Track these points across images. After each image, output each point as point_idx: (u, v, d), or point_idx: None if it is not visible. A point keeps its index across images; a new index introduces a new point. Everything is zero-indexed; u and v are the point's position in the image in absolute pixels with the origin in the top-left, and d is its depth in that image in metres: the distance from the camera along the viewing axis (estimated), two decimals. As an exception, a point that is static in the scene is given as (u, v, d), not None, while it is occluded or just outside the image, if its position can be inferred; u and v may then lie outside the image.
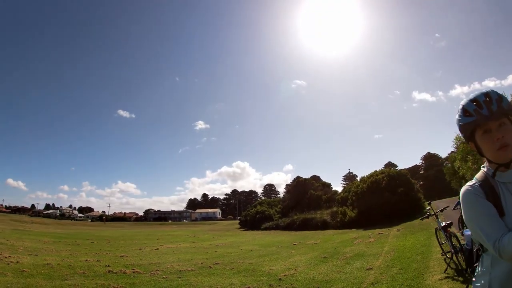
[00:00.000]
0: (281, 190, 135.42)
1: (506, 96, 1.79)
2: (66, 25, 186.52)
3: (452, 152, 44.42)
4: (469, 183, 1.81)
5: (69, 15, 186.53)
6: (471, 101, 1.76)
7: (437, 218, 9.52)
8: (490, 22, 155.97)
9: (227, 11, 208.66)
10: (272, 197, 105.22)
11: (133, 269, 10.37)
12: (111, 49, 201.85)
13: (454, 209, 14.27)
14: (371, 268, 9.25)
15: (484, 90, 1.76)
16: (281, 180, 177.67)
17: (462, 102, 1.81)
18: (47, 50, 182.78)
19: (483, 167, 1.85)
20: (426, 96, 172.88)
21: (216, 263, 11.83)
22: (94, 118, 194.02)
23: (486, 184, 1.74)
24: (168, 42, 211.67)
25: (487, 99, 1.70)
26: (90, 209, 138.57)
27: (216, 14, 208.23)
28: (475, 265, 1.90)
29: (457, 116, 1.84)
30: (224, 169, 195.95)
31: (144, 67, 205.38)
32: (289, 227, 34.07)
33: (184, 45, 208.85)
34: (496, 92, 1.72)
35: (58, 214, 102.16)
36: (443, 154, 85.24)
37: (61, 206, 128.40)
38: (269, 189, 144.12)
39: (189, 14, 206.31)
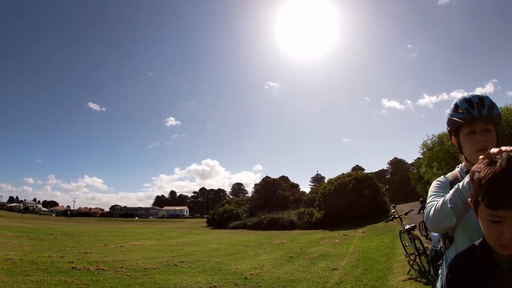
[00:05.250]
0: (250, 189, 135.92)
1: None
2: (36, 16, 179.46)
3: (418, 158, 46.02)
4: (442, 177, 1.95)
5: (38, 8, 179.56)
6: (465, 100, 1.86)
7: (401, 221, 9.74)
8: (461, 36, 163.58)
9: (205, 12, 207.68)
10: (241, 196, 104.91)
11: (97, 266, 10.03)
12: (85, 41, 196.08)
13: (418, 213, 14.77)
14: (336, 268, 9.34)
15: (479, 94, 1.87)
16: (250, 180, 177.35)
17: (457, 100, 1.91)
18: (15, 40, 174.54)
19: (458, 167, 1.96)
20: (395, 104, 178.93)
21: (182, 261, 11.63)
22: (64, 110, 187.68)
23: (454, 180, 1.86)
24: (144, 38, 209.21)
25: (480, 102, 1.81)
26: (54, 203, 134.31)
27: (194, 14, 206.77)
28: (439, 262, 1.97)
29: (448, 110, 1.96)
30: (193, 166, 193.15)
31: (118, 60, 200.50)
32: (256, 227, 34.09)
33: (160, 42, 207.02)
34: (490, 99, 1.84)
35: (21, 208, 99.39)
36: (409, 159, 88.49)
37: (25, 200, 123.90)
38: (238, 188, 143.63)
39: (168, 12, 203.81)
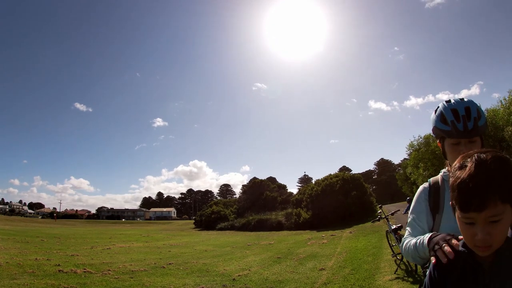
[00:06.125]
0: (237, 190, 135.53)
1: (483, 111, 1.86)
2: (22, 17, 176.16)
3: (404, 159, 46.67)
4: (424, 185, 1.96)
5: (23, 8, 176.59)
6: (451, 110, 1.81)
7: (388, 221, 9.84)
8: (447, 39, 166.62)
9: (193, 13, 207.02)
10: (228, 198, 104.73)
11: (84, 269, 9.91)
12: (72, 41, 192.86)
13: (404, 213, 14.92)
14: (323, 269, 9.38)
15: (466, 102, 1.82)
16: (237, 181, 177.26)
17: (442, 107, 1.86)
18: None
19: (441, 172, 1.97)
20: (381, 105, 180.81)
21: (169, 263, 11.54)
22: (50, 110, 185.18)
23: (434, 186, 1.89)
24: (131, 38, 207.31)
25: (466, 114, 1.76)
26: (40, 205, 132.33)
27: (182, 15, 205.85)
28: (427, 264, 1.94)
29: (433, 115, 1.91)
30: (181, 168, 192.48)
31: (105, 61, 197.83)
32: (244, 228, 34.04)
33: (147, 43, 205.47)
34: (476, 108, 1.79)
35: (7, 210, 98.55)
36: (396, 160, 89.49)
37: (10, 201, 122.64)
38: (226, 189, 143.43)
39: (155, 13, 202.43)
